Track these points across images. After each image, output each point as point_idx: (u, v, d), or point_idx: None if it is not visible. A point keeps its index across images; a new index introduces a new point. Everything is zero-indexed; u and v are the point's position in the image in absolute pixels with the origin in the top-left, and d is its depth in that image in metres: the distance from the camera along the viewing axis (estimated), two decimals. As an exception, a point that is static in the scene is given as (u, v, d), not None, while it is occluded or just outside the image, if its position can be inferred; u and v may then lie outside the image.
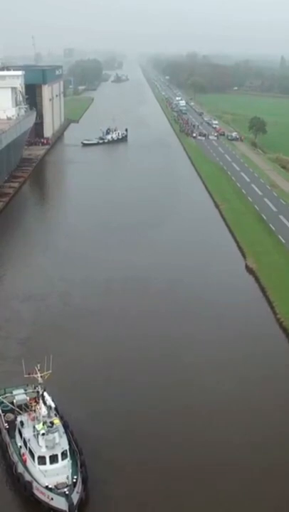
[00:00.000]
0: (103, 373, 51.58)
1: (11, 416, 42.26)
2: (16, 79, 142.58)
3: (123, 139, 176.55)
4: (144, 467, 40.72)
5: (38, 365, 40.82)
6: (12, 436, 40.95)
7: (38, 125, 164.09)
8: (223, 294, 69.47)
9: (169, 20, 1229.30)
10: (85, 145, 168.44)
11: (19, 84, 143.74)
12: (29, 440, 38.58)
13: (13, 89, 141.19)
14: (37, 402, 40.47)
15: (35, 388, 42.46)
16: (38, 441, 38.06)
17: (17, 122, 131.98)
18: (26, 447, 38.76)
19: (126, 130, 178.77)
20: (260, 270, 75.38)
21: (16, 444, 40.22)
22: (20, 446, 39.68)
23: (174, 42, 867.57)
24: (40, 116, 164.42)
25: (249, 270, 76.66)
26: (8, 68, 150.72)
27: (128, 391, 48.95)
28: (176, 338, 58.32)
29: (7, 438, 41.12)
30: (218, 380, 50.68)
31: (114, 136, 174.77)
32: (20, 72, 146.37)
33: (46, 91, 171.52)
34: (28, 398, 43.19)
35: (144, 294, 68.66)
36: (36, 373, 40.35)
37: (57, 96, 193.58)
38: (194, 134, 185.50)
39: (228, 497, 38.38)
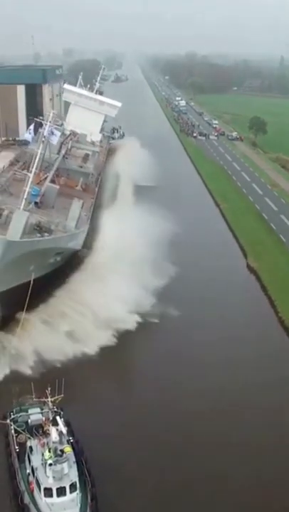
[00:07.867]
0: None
1: (23, 438, 38.93)
2: (114, 109, 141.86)
3: (121, 138, 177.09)
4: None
5: (49, 389, 38.50)
6: (22, 461, 37.70)
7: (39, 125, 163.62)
8: (224, 293, 69.69)
9: (168, 21, 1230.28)
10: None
11: (114, 115, 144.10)
12: (37, 469, 35.47)
13: (106, 116, 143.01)
14: (50, 426, 37.18)
15: (52, 408, 39.63)
16: (45, 471, 34.90)
17: (105, 147, 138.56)
18: (34, 476, 35.68)
19: (119, 127, 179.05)
20: (262, 269, 75.55)
21: (25, 471, 37.06)
22: (29, 474, 36.54)
23: (173, 42, 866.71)
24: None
25: (250, 269, 76.82)
26: (100, 92, 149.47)
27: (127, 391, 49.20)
28: (176, 337, 58.28)
29: (16, 463, 37.89)
30: (219, 380, 50.75)
31: (120, 133, 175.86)
32: (119, 104, 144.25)
33: (47, 90, 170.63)
34: (43, 419, 39.32)
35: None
36: (47, 397, 37.84)
37: (57, 95, 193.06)
38: (194, 134, 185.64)
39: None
